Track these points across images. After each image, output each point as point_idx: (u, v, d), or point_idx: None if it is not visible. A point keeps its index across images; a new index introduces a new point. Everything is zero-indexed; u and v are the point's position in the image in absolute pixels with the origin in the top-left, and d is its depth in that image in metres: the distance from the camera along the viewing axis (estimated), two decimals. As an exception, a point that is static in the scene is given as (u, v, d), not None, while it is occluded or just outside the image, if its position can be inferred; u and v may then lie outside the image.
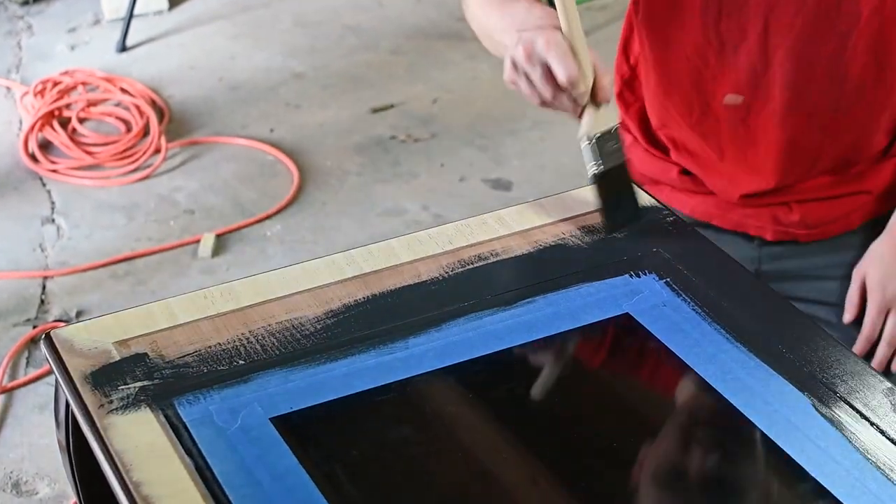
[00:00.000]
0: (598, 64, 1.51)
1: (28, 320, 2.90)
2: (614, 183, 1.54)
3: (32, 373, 2.73)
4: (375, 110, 3.70)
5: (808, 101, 1.71)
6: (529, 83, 1.51)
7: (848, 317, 1.78)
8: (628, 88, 1.88)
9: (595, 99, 1.51)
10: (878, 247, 1.77)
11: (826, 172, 1.78)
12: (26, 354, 2.79)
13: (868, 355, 1.77)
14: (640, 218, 1.55)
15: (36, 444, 2.56)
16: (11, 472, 2.51)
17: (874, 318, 1.75)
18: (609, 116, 1.52)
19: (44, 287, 3.02)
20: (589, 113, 1.51)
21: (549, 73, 1.49)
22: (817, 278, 1.82)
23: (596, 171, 1.52)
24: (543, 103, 1.52)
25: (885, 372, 1.76)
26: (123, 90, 3.70)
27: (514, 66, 1.51)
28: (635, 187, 1.57)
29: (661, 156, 1.86)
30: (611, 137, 1.52)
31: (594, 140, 1.51)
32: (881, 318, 1.76)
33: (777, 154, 1.75)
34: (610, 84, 1.52)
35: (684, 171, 1.85)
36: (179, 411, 1.27)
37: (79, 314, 2.90)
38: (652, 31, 1.77)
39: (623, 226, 1.54)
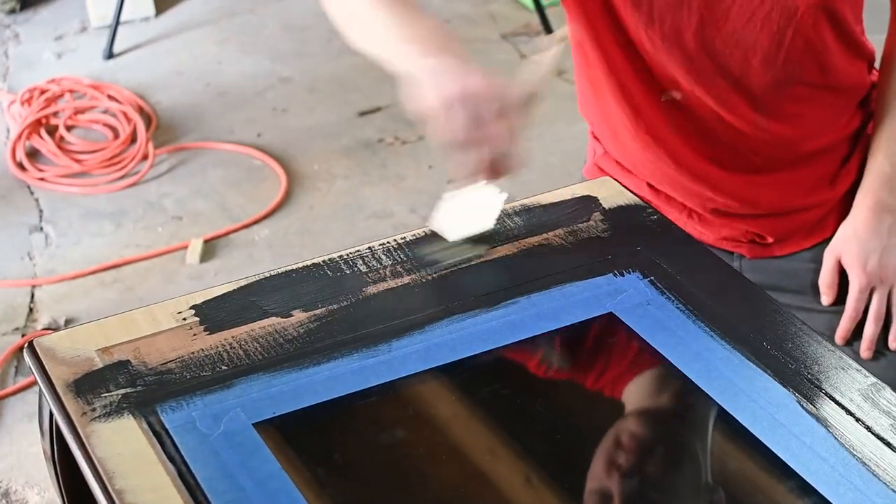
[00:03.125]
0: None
1: (16, 329, 2.90)
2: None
3: (21, 381, 2.73)
4: (363, 113, 3.70)
5: (746, 88, 1.67)
6: (466, 121, 1.37)
7: (827, 300, 1.76)
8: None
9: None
10: (849, 226, 1.74)
11: (776, 166, 1.76)
12: (15, 363, 2.79)
13: (844, 338, 1.77)
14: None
15: (25, 452, 2.56)
16: (1, 482, 2.51)
17: (857, 296, 1.73)
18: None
19: (32, 295, 3.01)
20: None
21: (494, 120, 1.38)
22: (798, 290, 1.80)
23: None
24: (460, 146, 1.39)
25: (873, 353, 1.76)
26: (111, 97, 3.70)
27: (457, 100, 1.37)
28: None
29: (628, 170, 1.84)
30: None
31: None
32: (864, 295, 1.73)
33: (723, 147, 1.71)
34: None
35: (651, 185, 1.82)
36: (162, 418, 1.26)
37: (67, 322, 2.90)
38: (591, 31, 1.71)
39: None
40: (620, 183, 1.79)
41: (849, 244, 1.74)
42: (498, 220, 1.51)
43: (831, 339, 1.76)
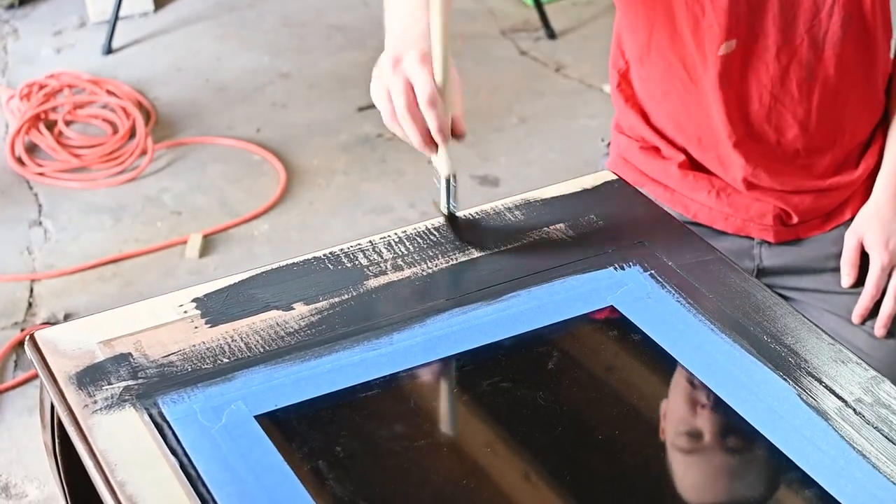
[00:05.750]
0: (460, 98, 1.46)
1: (16, 324, 2.89)
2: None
3: (20, 376, 2.73)
4: (362, 109, 3.69)
5: (794, 44, 1.71)
6: (389, 96, 1.44)
7: (849, 280, 1.80)
8: (625, 80, 1.87)
9: (454, 133, 1.46)
10: (871, 207, 1.79)
11: (814, 141, 1.79)
12: (14, 358, 2.79)
13: (863, 316, 1.80)
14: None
15: (25, 447, 2.56)
16: (0, 476, 2.51)
17: (878, 276, 1.77)
18: (452, 160, 1.49)
19: (31, 290, 3.01)
20: (444, 149, 1.47)
21: (410, 89, 1.43)
22: (816, 271, 1.84)
23: (454, 211, 1.52)
24: (396, 121, 1.45)
25: (887, 332, 1.79)
26: (109, 92, 3.69)
27: (379, 76, 1.46)
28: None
29: (657, 154, 1.86)
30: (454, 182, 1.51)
31: (452, 178, 1.49)
32: (885, 274, 1.78)
33: (768, 104, 1.74)
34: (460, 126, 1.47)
35: (682, 166, 1.84)
36: (164, 410, 1.27)
37: (66, 317, 2.89)
38: None
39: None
40: (644, 173, 1.85)
41: (871, 224, 1.78)
42: (456, 205, 1.52)
43: (848, 321, 1.80)
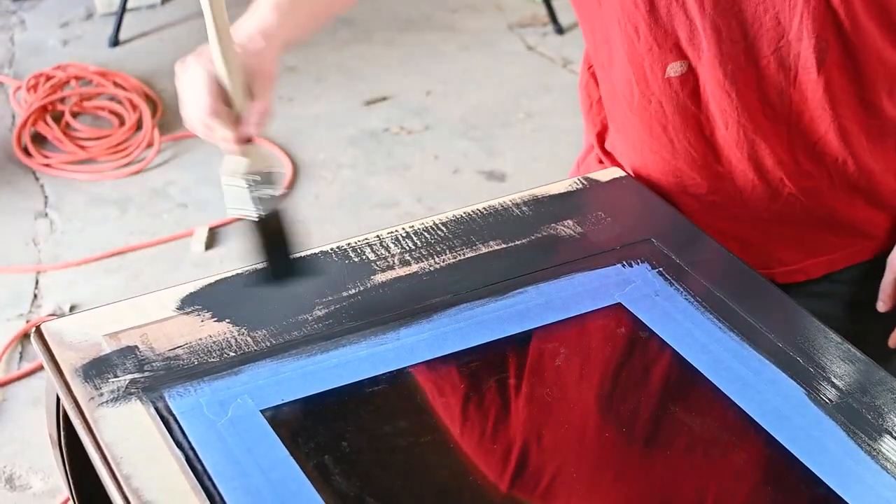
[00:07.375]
0: (261, 98, 1.39)
1: (21, 315, 2.89)
2: (268, 233, 1.42)
3: (26, 367, 2.73)
4: (368, 103, 3.69)
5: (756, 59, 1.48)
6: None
7: (884, 307, 1.60)
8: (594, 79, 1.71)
9: (241, 132, 1.36)
10: None
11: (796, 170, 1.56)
12: (19, 349, 2.79)
13: None
14: (297, 274, 1.40)
15: (29, 438, 2.56)
16: (5, 467, 2.51)
17: None
18: (265, 157, 1.37)
19: (37, 281, 3.01)
20: (236, 148, 1.36)
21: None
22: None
23: (245, 217, 1.40)
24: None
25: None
26: (116, 84, 3.69)
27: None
28: (290, 243, 1.41)
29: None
30: (265, 181, 1.38)
31: (243, 180, 1.36)
32: None
33: (732, 133, 1.53)
34: (261, 119, 1.37)
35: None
36: (170, 403, 1.26)
37: (72, 308, 2.90)
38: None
39: (280, 279, 1.40)
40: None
41: None
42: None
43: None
